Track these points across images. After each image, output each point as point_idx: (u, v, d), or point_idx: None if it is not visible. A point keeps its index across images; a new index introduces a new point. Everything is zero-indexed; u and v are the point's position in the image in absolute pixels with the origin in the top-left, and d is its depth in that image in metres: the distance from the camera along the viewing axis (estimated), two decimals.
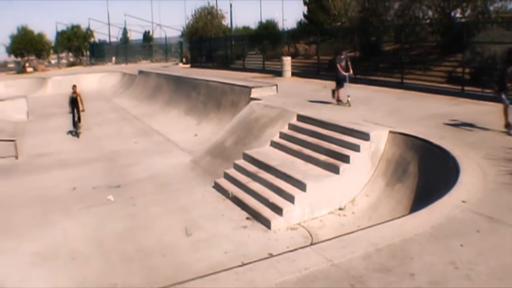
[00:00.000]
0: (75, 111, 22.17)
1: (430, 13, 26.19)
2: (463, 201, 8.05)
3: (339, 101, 17.52)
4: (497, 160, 10.17)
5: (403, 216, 8.35)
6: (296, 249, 7.02)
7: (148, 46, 65.21)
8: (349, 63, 17.89)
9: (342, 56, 17.92)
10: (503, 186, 8.76)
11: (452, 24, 24.39)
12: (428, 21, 26.06)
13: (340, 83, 17.51)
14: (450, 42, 22.34)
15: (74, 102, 22.06)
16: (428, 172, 10.74)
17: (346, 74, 17.39)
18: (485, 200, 8.13)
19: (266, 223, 10.82)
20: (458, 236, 6.78)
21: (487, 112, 14.74)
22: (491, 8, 24.62)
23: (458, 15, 25.77)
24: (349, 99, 17.05)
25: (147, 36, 75.63)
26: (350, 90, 17.26)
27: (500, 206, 7.86)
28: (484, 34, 22.03)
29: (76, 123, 22.34)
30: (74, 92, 22.02)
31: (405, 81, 21.32)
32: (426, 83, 20.31)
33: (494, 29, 22.94)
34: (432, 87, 19.78)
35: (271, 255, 7.62)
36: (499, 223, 7.18)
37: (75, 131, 22.49)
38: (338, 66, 17.58)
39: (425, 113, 14.95)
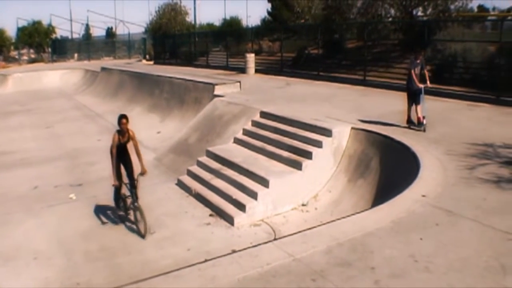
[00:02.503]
0: (126, 164, 10.84)
1: (392, 11, 26.53)
2: (423, 196, 8.19)
3: (410, 123, 13.10)
4: (457, 155, 10.39)
5: (365, 211, 8.42)
6: (258, 245, 7.04)
7: (111, 43, 64.41)
8: (425, 70, 13.40)
9: (418, 61, 13.18)
10: (462, 180, 8.95)
11: (414, 22, 24.75)
12: (390, 19, 26.40)
13: (413, 98, 13.08)
14: (412, 40, 22.67)
15: (122, 151, 10.65)
16: (389, 168, 10.88)
17: (422, 86, 12.92)
18: (445, 194, 8.29)
19: (230, 219, 10.80)
20: (418, 229, 6.89)
21: (446, 108, 15.03)
22: (452, 6, 25.09)
23: (420, 13, 26.17)
24: (425, 121, 12.72)
25: (110, 33, 74.54)
26: (426, 107, 13.05)
27: (458, 200, 8.02)
28: (445, 33, 22.45)
29: (131, 192, 10.58)
30: (124, 130, 10.44)
31: (367, 78, 21.56)
32: (388, 80, 20.55)
33: (455, 28, 23.39)
34: (394, 84, 20.01)
35: (234, 251, 7.61)
36: (458, 217, 7.32)
37: (125, 216, 11.24)
38: (412, 73, 13.02)
39: (387, 109, 15.15)
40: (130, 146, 10.71)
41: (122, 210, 11.20)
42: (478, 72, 19.10)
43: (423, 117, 12.71)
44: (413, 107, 13.03)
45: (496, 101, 15.95)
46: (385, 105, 16.06)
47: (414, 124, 12.89)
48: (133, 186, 10.47)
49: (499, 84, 16.23)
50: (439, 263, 5.91)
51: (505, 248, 6.28)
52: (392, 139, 11.48)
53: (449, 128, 12.73)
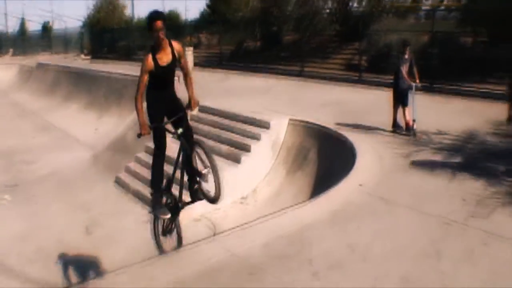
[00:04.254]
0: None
1: (329, 3, 26.73)
2: (360, 185, 8.26)
3: (396, 127, 11.75)
4: (391, 143, 10.56)
5: (303, 203, 8.43)
6: (198, 241, 6.95)
7: (47, 38, 62.63)
8: (414, 66, 11.95)
9: (406, 56, 11.76)
10: (397, 168, 9.11)
11: (350, 14, 25.06)
12: (327, 11, 26.61)
13: (401, 98, 11.70)
14: (348, 31, 23.00)
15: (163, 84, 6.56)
16: (327, 158, 10.96)
17: (413, 84, 11.65)
18: (381, 183, 8.40)
19: None
20: (355, 219, 6.94)
21: (381, 98, 15.27)
22: None
23: (355, 5, 26.50)
24: (415, 125, 11.40)
25: (46, 27, 72.43)
26: (416, 108, 11.62)
27: (394, 188, 8.14)
28: (380, 24, 22.86)
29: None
30: (161, 44, 6.09)
31: (305, 69, 21.71)
32: (326, 72, 20.78)
33: (389, 19, 23.85)
34: (331, 75, 20.27)
35: (174, 248, 7.50)
36: (394, 205, 7.42)
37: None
38: (402, 70, 11.65)
39: (324, 100, 15.30)
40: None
41: (167, 197, 6.86)
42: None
43: (413, 121, 11.41)
44: (400, 109, 11.71)
45: (430, 89, 16.30)
46: (322, 97, 16.20)
47: (401, 129, 11.64)
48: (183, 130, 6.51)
49: (432, 73, 16.59)
50: (376, 252, 5.96)
51: (440, 234, 6.40)
52: (329, 130, 11.58)
53: (385, 116, 12.91)
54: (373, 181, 8.44)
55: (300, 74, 21.51)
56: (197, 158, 6.38)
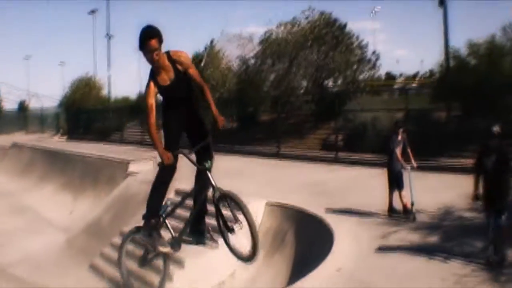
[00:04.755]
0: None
1: (304, 83, 27.25)
2: (338, 270, 8.18)
3: (392, 211, 11.32)
4: (370, 224, 10.56)
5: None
6: None
7: (23, 117, 62.62)
8: (408, 147, 11.74)
9: (400, 138, 11.57)
10: (375, 250, 9.07)
11: (325, 93, 25.57)
12: (302, 91, 27.10)
13: (396, 180, 11.32)
14: (324, 110, 23.39)
15: (175, 102, 6.01)
16: (305, 241, 10.89)
17: (408, 166, 11.24)
18: (359, 266, 8.39)
19: None
20: None
21: (358, 176, 15.40)
22: (360, 77, 26.16)
23: (330, 84, 27.07)
24: (414, 208, 10.83)
25: (22, 106, 72.45)
26: (414, 191, 10.95)
27: (372, 271, 8.10)
28: (355, 102, 23.36)
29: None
30: (158, 62, 5.44)
31: (282, 150, 21.87)
32: (303, 152, 20.96)
33: (364, 97, 24.42)
34: (307, 155, 20.44)
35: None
36: None
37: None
38: (396, 151, 11.38)
39: (301, 181, 15.34)
40: None
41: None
42: (387, 139, 19.71)
43: (412, 204, 10.82)
44: (396, 192, 11.28)
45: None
46: (299, 177, 16.25)
47: (398, 213, 11.19)
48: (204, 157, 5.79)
49: (410, 149, 16.79)
50: None
51: None
52: (305, 212, 11.56)
53: (362, 196, 12.96)
54: (351, 265, 8.40)
55: (276, 154, 21.66)
56: (222, 207, 5.72)
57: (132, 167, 19.00)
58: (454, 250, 8.73)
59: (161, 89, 5.41)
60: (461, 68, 21.45)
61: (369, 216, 11.27)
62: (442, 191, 12.81)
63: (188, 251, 11.31)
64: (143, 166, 19.56)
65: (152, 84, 5.34)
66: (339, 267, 8.29)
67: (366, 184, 14.61)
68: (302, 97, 26.12)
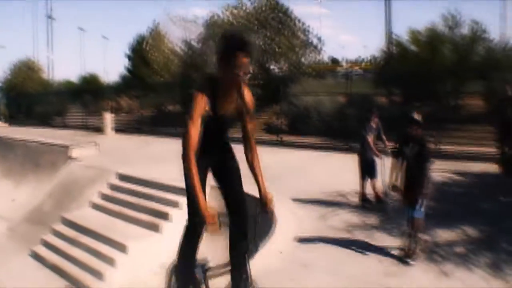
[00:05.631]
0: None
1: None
2: (280, 252, 8.28)
3: (365, 201, 10.89)
4: (312, 206, 10.76)
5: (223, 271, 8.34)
6: None
7: None
8: (383, 134, 11.29)
9: (374, 125, 11.05)
10: (316, 231, 9.22)
11: (270, 77, 25.65)
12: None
13: (369, 169, 10.84)
14: (269, 94, 23.48)
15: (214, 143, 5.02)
16: (249, 224, 10.92)
17: (381, 156, 10.67)
18: (300, 247, 8.47)
19: None
20: (275, 285, 6.91)
21: (302, 159, 15.59)
22: (305, 61, 26.37)
23: (275, 68, 27.18)
24: (388, 197, 10.31)
25: None
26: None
27: (313, 251, 8.21)
28: (299, 86, 23.53)
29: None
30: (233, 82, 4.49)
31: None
32: None
33: (308, 81, 24.62)
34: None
35: None
36: (312, 269, 7.48)
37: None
38: (369, 139, 10.83)
39: (245, 164, 15.36)
40: None
41: None
42: (330, 122, 20.07)
43: (385, 193, 10.41)
44: (368, 181, 10.93)
45: (348, 149, 16.79)
46: (244, 160, 16.28)
47: (371, 203, 10.83)
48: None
49: (349, 133, 17.11)
50: None
51: None
52: (248, 195, 11.59)
53: (305, 179, 13.14)
54: (292, 246, 8.50)
55: None
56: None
57: (74, 152, 18.67)
58: (394, 230, 8.94)
59: (214, 115, 4.28)
60: (402, 55, 21.98)
61: (313, 198, 11.43)
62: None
63: (130, 236, 11.35)
64: (86, 151, 19.26)
65: (206, 98, 4.14)
66: (281, 249, 8.38)
67: (310, 167, 14.82)
68: (247, 81, 26.10)
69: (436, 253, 8.03)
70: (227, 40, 4.11)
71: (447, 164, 13.80)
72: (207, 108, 4.18)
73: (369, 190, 10.91)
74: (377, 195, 10.86)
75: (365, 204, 10.86)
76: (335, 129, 19.04)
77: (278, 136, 20.19)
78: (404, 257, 7.79)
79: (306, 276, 7.32)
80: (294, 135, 19.92)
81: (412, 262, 7.63)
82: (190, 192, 4.16)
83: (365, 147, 10.85)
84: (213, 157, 4.76)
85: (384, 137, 11.26)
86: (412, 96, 19.37)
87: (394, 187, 8.00)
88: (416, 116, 7.77)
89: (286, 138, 19.95)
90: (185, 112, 3.99)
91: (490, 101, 18.09)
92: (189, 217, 4.59)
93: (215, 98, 4.18)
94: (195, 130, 4.11)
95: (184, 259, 4.94)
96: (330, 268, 7.55)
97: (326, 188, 11.95)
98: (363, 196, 10.95)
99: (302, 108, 21.50)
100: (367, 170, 10.85)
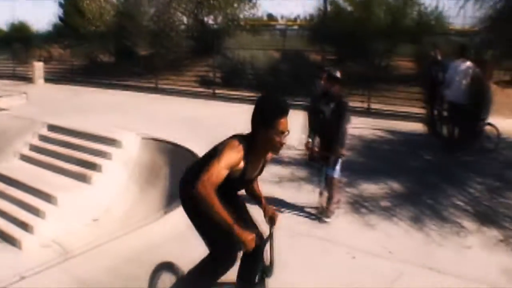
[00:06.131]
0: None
1: (185, 19, 26.95)
2: None
3: (313, 160, 9.15)
4: None
5: (153, 221, 8.45)
6: (42, 269, 6.73)
7: None
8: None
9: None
10: None
11: (206, 30, 25.47)
12: (182, 27, 26.82)
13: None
14: (204, 47, 23.40)
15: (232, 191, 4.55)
16: (179, 175, 10.99)
17: None
18: None
19: (16, 243, 10.11)
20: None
21: (235, 112, 15.72)
22: (241, 15, 26.24)
23: (211, 21, 26.96)
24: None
25: None
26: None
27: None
28: (234, 40, 23.50)
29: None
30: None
31: (160, 85, 21.76)
32: (181, 87, 20.99)
33: (244, 35, 24.59)
34: (186, 91, 20.51)
35: (23, 278, 7.20)
36: None
37: None
38: None
39: (178, 116, 15.44)
40: None
41: None
42: (264, 77, 20.20)
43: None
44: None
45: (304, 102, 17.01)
46: (176, 112, 16.34)
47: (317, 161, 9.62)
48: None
49: (283, 88, 17.30)
50: None
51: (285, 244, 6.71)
52: (180, 146, 11.71)
53: (237, 131, 13.25)
54: None
55: (155, 90, 21.48)
56: None
57: (1, 102, 18.14)
58: (313, 182, 9.15)
59: (242, 175, 4.05)
60: (337, 14, 22.21)
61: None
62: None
63: (60, 187, 11.26)
64: (14, 101, 18.74)
65: (242, 155, 3.92)
66: None
67: (242, 119, 14.89)
68: (182, 33, 25.87)
69: (362, 206, 8.37)
70: (269, 106, 3.97)
71: (377, 122, 14.23)
72: (238, 167, 3.94)
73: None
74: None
75: (312, 163, 9.89)
76: (268, 84, 19.19)
77: (211, 89, 20.17)
78: (319, 214, 7.85)
79: None
80: (228, 88, 19.98)
81: (327, 220, 7.71)
82: (221, 224, 3.74)
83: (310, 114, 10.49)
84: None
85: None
86: (345, 55, 19.71)
87: (307, 144, 7.86)
88: (336, 73, 7.61)
89: (220, 91, 19.97)
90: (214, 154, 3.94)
91: (419, 63, 18.63)
92: (221, 250, 4.23)
93: (247, 162, 3.98)
94: (218, 177, 3.75)
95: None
96: (262, 219, 7.73)
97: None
98: (310, 154, 10.75)
99: (236, 62, 21.51)
100: (317, 129, 10.52)
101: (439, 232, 7.45)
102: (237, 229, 3.67)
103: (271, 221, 4.47)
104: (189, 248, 6.58)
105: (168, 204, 10.12)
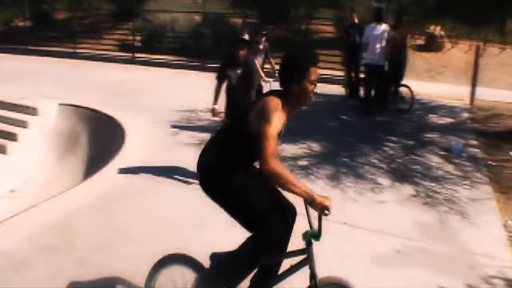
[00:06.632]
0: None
1: None
2: (128, 165, 8.36)
3: None
4: (164, 122, 10.91)
5: (71, 189, 8.32)
6: None
7: None
8: (271, 58, 10.74)
9: (261, 46, 10.39)
10: (167, 146, 9.49)
11: None
12: None
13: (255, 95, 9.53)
14: (123, 11, 22.91)
15: None
16: (99, 141, 10.89)
17: (270, 79, 9.66)
18: (149, 162, 8.60)
19: None
20: (123, 200, 7.04)
21: (156, 77, 15.60)
22: None
23: None
24: None
25: None
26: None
27: (163, 166, 8.39)
28: (154, 3, 23.14)
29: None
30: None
31: (78, 50, 21.20)
32: (100, 52, 20.54)
33: None
34: (105, 55, 20.11)
35: None
36: (160, 182, 7.68)
37: None
38: (257, 62, 9.28)
39: (98, 82, 15.18)
40: None
41: None
42: (185, 41, 20.06)
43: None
44: None
45: (202, 68, 16.99)
46: (95, 78, 16.05)
47: None
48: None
49: (204, 52, 17.27)
50: (143, 230, 6.13)
51: (204, 205, 6.77)
52: (99, 112, 11.55)
53: (158, 96, 13.20)
54: (141, 161, 8.62)
55: (73, 55, 20.90)
56: None
57: None
58: None
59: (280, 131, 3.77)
60: None
61: (164, 114, 11.57)
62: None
63: None
64: None
65: (282, 111, 3.67)
66: (130, 163, 8.47)
67: (163, 84, 14.85)
68: None
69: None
70: (300, 59, 3.85)
71: None
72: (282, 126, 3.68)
73: None
74: None
75: None
76: (189, 48, 19.09)
77: (131, 53, 19.83)
78: None
79: (155, 189, 7.51)
80: (148, 53, 19.71)
81: None
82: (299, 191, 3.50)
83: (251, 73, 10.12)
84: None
85: (272, 60, 10.82)
86: (266, 18, 19.76)
87: (213, 110, 7.62)
88: (244, 37, 7.45)
89: (140, 55, 19.68)
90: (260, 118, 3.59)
91: (338, 27, 18.96)
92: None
93: (285, 120, 3.78)
94: (276, 144, 3.52)
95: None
96: (178, 180, 7.79)
97: (180, 106, 12.11)
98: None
99: (157, 26, 21.22)
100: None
101: (355, 188, 7.76)
102: (317, 197, 3.52)
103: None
104: (110, 215, 6.62)
105: (90, 171, 10.01)
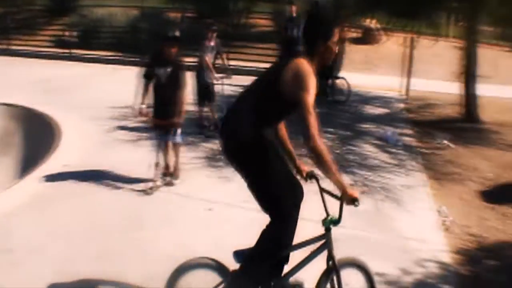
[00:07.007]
0: None
1: None
2: (65, 165, 8.23)
3: (203, 127, 10.34)
4: (99, 119, 10.85)
5: (2, 190, 8.12)
6: None
7: None
8: (223, 54, 10.80)
9: (212, 43, 10.16)
10: (102, 144, 9.40)
11: None
12: None
13: (206, 93, 10.20)
14: (59, 5, 22.48)
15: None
16: (34, 140, 10.65)
17: (222, 75, 10.22)
18: (85, 161, 8.49)
19: None
20: (57, 201, 6.91)
21: (92, 73, 15.35)
22: None
23: None
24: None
25: None
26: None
27: (99, 165, 8.27)
28: None
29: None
30: None
31: (12, 47, 20.65)
32: (35, 49, 20.11)
33: None
34: (41, 52, 19.68)
35: None
36: (96, 183, 7.57)
37: None
38: (207, 60, 9.92)
39: (32, 79, 14.86)
40: None
41: None
42: (123, 36, 19.81)
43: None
44: (207, 107, 10.39)
45: (139, 63, 16.78)
46: (30, 75, 15.66)
47: (208, 128, 10.29)
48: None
49: (141, 47, 17.09)
50: (77, 230, 6.04)
51: (135, 205, 6.78)
52: (33, 110, 11.29)
53: (95, 93, 13.03)
54: (78, 160, 8.50)
55: (6, 52, 20.33)
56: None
57: None
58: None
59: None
60: None
61: (99, 111, 11.42)
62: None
63: None
64: None
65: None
66: (66, 163, 8.33)
67: (100, 81, 14.64)
68: None
69: (220, 160, 8.50)
70: (326, 19, 3.79)
71: (235, 79, 14.48)
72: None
73: None
74: (214, 120, 10.29)
75: (205, 133, 10.17)
76: (126, 43, 18.86)
77: (67, 49, 19.44)
78: (169, 177, 7.75)
79: (89, 189, 7.41)
80: (85, 48, 19.37)
81: (177, 181, 7.71)
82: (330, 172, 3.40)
83: (203, 69, 10.05)
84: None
85: (224, 56, 10.70)
86: (205, 13, 19.72)
87: (141, 110, 7.32)
88: (175, 34, 7.27)
89: (76, 51, 19.31)
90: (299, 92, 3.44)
91: (276, 21, 19.10)
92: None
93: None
94: (316, 121, 3.37)
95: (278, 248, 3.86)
96: (111, 180, 7.71)
97: (115, 102, 11.97)
98: (201, 123, 10.49)
99: (93, 20, 20.88)
100: (205, 94, 10.21)
101: None
102: (349, 188, 3.48)
103: (314, 177, 4.20)
104: (46, 215, 6.49)
105: (24, 171, 9.78)
